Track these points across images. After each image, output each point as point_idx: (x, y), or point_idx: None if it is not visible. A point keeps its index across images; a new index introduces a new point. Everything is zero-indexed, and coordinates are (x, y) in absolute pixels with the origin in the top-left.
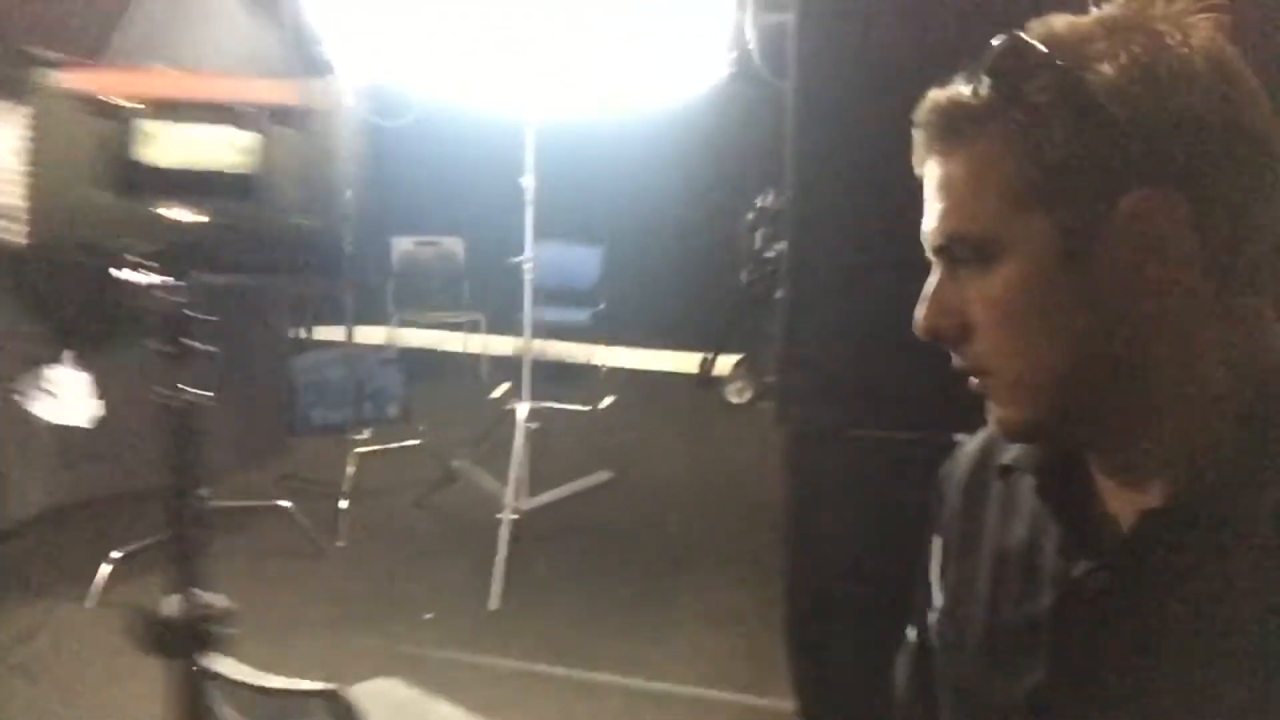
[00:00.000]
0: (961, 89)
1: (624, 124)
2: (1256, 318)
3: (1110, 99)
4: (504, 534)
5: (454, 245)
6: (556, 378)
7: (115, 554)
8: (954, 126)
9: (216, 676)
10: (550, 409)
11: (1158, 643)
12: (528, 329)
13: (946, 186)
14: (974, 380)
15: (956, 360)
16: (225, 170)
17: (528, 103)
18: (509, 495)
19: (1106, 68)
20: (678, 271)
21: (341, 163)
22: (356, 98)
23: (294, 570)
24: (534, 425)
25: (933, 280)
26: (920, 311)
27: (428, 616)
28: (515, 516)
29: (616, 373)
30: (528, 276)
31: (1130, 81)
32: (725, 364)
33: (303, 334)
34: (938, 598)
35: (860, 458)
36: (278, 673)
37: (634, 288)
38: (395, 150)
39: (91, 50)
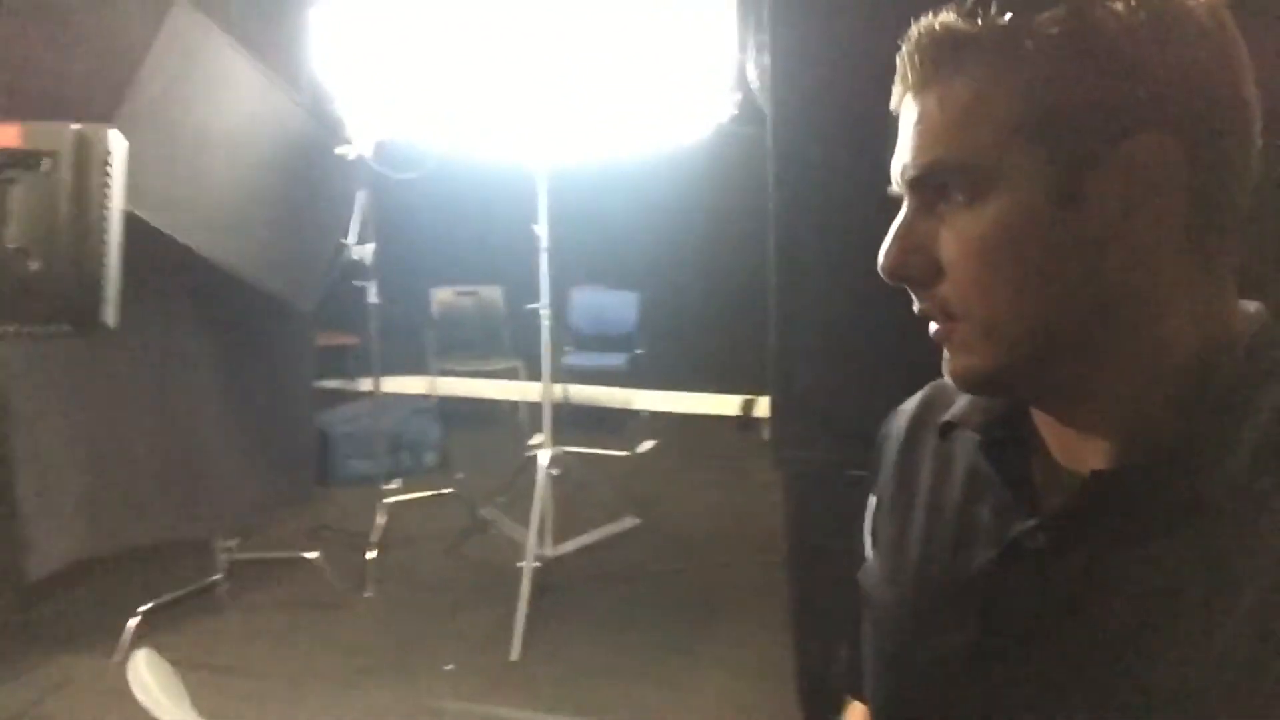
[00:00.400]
0: (962, 17)
1: (649, 168)
2: (1221, 288)
3: (1120, 39)
4: (526, 583)
5: (493, 294)
6: (594, 423)
7: (141, 609)
8: (953, 54)
9: None
10: (585, 454)
11: (1091, 606)
12: (546, 376)
13: (937, 114)
14: (936, 326)
15: (919, 304)
16: None
17: (536, 153)
18: (531, 543)
19: (1118, 6)
20: (717, 313)
21: (85, 206)
22: (104, 148)
23: (319, 621)
24: (556, 472)
25: (901, 218)
26: (887, 249)
27: (448, 668)
28: (538, 564)
29: (657, 417)
30: (545, 324)
31: (1139, 24)
32: (766, 405)
33: (346, 386)
34: (869, 554)
35: (858, 498)
36: None
37: (673, 331)
38: (431, 202)
39: (104, 113)
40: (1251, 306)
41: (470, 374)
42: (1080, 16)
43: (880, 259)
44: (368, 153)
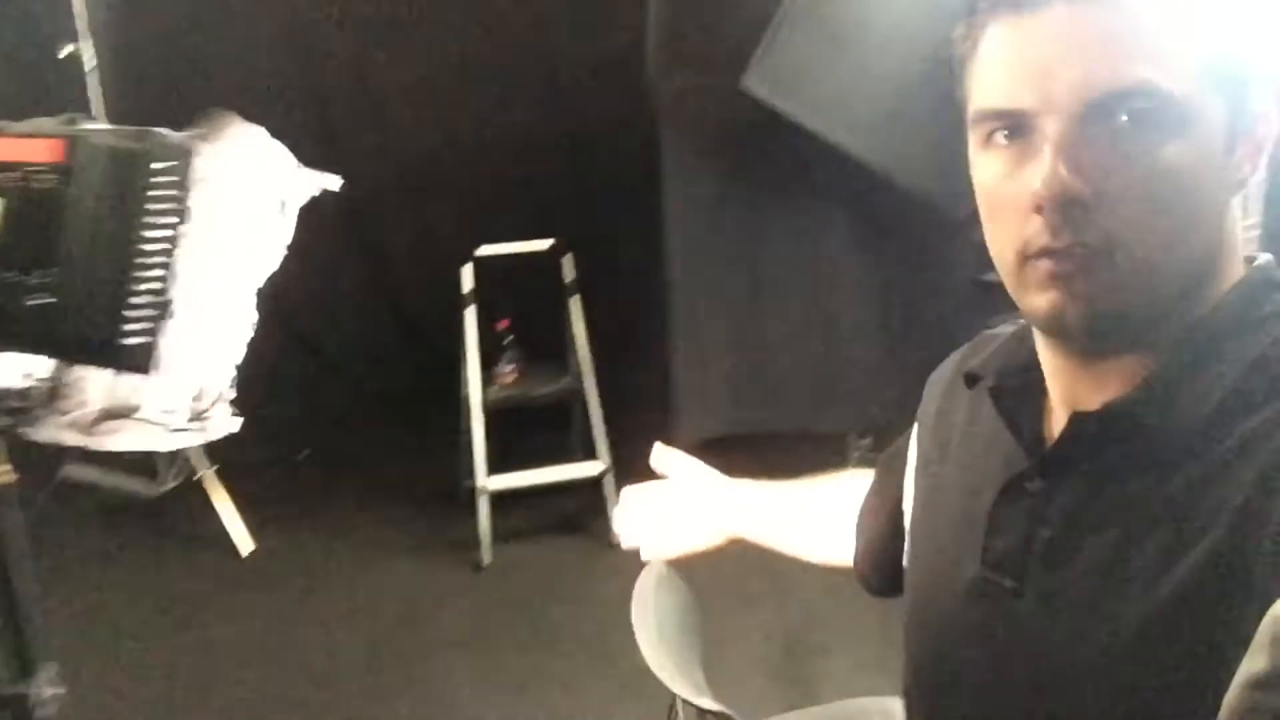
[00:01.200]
0: None
1: None
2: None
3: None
4: None
5: None
6: None
7: None
8: None
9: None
10: None
11: (1072, 545)
12: None
13: (1133, 32)
14: (1061, 265)
15: (1061, 235)
16: None
17: None
18: None
19: None
20: None
21: (115, 227)
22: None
23: None
24: None
25: (1063, 137)
26: (1053, 169)
27: None
28: None
29: None
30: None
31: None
32: None
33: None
34: (908, 504)
35: None
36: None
37: None
38: None
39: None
40: (1262, 258)
41: None
42: None
43: (1043, 180)
44: None
